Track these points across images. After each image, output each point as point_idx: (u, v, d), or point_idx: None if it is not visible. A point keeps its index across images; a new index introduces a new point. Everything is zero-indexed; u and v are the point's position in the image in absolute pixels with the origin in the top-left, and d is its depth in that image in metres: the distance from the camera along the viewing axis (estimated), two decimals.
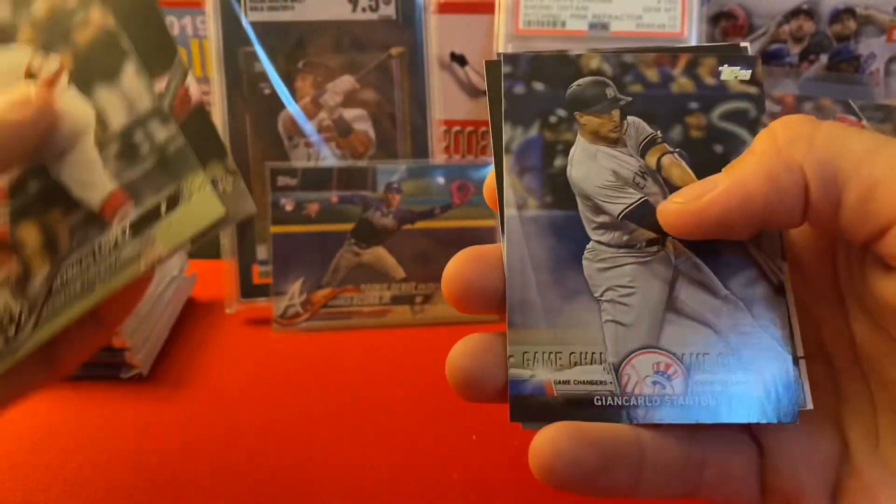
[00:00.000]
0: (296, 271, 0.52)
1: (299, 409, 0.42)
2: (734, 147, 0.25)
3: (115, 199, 0.26)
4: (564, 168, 0.26)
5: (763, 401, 0.24)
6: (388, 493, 0.36)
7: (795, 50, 0.58)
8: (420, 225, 0.53)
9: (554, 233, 0.25)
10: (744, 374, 0.24)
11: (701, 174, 0.25)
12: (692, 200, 0.23)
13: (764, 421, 0.24)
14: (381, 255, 0.53)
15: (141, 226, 0.25)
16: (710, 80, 0.26)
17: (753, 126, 0.26)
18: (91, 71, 0.26)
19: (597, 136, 0.26)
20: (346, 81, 0.56)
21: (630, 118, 0.26)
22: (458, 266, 0.24)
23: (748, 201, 0.22)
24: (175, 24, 0.64)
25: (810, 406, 0.24)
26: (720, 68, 0.26)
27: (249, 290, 0.54)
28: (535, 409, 0.24)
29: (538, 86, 0.26)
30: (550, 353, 0.24)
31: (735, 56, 0.26)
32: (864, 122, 0.56)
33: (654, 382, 0.24)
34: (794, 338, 0.24)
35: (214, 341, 0.50)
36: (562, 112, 0.26)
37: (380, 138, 0.57)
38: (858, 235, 0.22)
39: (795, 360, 0.24)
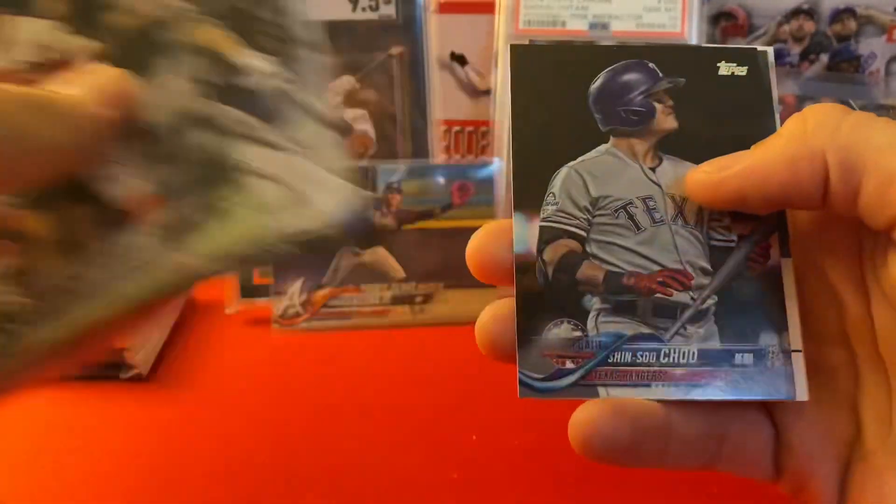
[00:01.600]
0: (296, 271, 0.52)
1: (299, 409, 0.42)
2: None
3: (143, 198, 0.24)
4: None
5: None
6: (389, 492, 0.36)
7: (796, 50, 0.58)
8: (420, 225, 0.53)
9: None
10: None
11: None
12: (714, 172, 0.24)
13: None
14: (381, 255, 0.53)
15: (174, 233, 0.23)
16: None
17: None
18: (129, 61, 0.24)
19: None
20: (346, 81, 0.56)
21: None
22: (480, 239, 0.27)
23: (765, 182, 0.23)
24: None
25: (804, 397, 0.25)
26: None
27: (249, 290, 0.54)
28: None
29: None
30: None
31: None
32: None
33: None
34: (789, 331, 0.25)
35: (214, 341, 0.50)
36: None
37: (380, 138, 0.57)
38: (877, 223, 0.22)
39: (787, 353, 0.25)
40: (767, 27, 0.58)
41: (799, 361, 0.25)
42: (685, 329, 0.25)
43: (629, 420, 0.24)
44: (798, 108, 0.57)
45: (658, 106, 0.27)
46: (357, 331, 0.52)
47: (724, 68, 0.27)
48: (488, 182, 0.54)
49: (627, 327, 0.25)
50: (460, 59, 0.63)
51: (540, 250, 0.26)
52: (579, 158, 0.26)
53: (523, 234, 0.26)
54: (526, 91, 0.27)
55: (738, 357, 0.25)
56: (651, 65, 0.27)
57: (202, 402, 0.43)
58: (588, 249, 0.26)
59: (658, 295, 0.26)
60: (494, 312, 0.26)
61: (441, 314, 0.53)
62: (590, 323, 0.26)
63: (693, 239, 0.26)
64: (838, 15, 0.57)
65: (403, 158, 0.57)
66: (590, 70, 0.27)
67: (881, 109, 0.56)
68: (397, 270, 0.53)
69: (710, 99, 0.27)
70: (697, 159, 0.26)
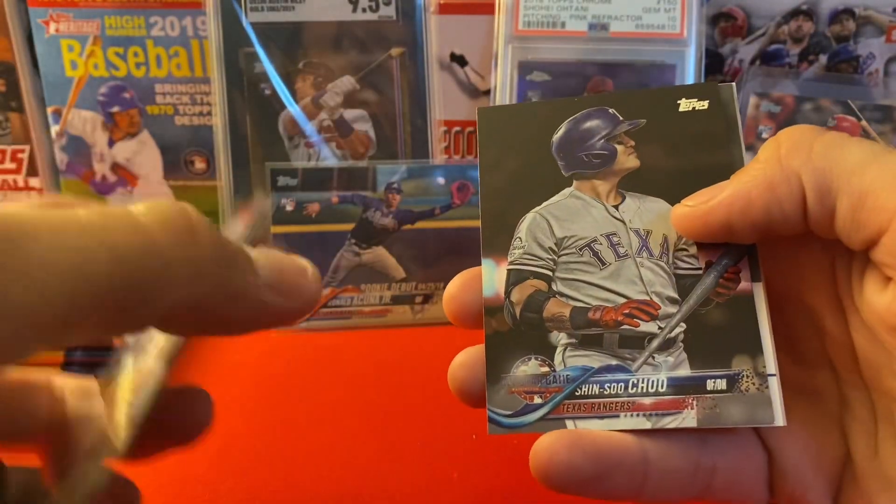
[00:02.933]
0: None
1: (299, 409, 0.42)
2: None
3: None
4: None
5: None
6: (389, 492, 0.36)
7: (795, 50, 0.58)
8: (420, 225, 0.53)
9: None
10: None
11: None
12: (699, 205, 0.24)
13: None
14: (381, 255, 0.53)
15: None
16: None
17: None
18: None
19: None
20: (346, 82, 0.56)
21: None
22: (453, 289, 0.27)
23: (749, 207, 0.23)
24: (175, 24, 0.64)
25: (781, 423, 0.24)
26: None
27: None
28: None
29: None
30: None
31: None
32: (864, 122, 0.56)
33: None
34: (764, 355, 0.25)
35: (214, 341, 0.50)
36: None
37: (380, 138, 0.57)
38: (854, 243, 0.23)
39: (763, 377, 0.25)
40: (766, 28, 0.58)
41: (774, 385, 0.24)
42: (653, 358, 0.25)
43: (588, 450, 0.24)
44: (797, 108, 0.57)
45: (619, 147, 0.27)
46: (357, 331, 0.52)
47: (685, 105, 0.27)
48: None
49: (594, 360, 0.26)
50: (460, 60, 0.63)
51: (508, 292, 0.27)
52: (544, 203, 0.27)
53: (492, 278, 0.27)
54: (493, 147, 0.28)
55: (710, 383, 0.25)
56: (611, 110, 0.28)
57: None
58: (554, 287, 0.26)
59: (625, 326, 0.26)
60: (463, 359, 0.27)
61: (441, 314, 0.53)
62: (557, 358, 0.26)
63: (658, 269, 0.26)
64: (837, 15, 0.57)
65: (403, 158, 0.57)
66: (553, 122, 0.28)
67: (880, 110, 0.56)
68: (397, 270, 0.53)
69: (672, 135, 0.27)
70: (660, 193, 0.27)
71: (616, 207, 0.27)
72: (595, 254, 0.27)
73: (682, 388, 0.25)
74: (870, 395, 0.24)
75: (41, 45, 0.65)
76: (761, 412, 0.24)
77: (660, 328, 0.26)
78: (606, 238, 0.27)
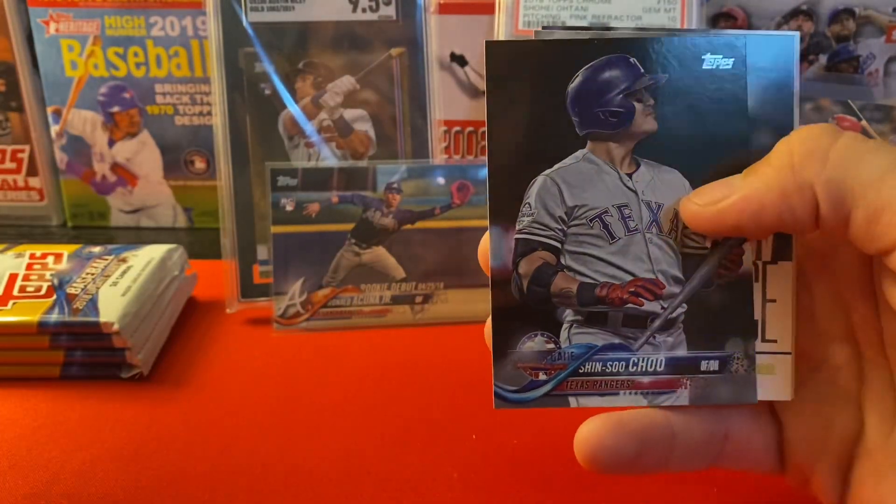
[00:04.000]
0: (296, 271, 0.52)
1: (299, 409, 0.42)
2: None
3: None
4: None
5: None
6: (389, 492, 0.36)
7: None
8: (420, 225, 0.53)
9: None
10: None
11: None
12: (709, 205, 0.24)
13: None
14: (381, 255, 0.53)
15: None
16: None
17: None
18: None
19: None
20: (346, 82, 0.56)
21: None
22: (484, 244, 0.27)
23: (761, 213, 0.23)
24: (175, 24, 0.64)
25: (788, 397, 0.26)
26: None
27: (250, 289, 0.54)
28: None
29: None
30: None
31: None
32: (864, 121, 0.56)
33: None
34: (778, 333, 0.26)
35: (215, 341, 0.50)
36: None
37: (380, 138, 0.57)
38: (868, 250, 0.23)
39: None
40: (767, 28, 0.58)
41: (787, 362, 0.26)
42: (654, 338, 0.26)
43: (634, 432, 0.25)
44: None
45: (638, 106, 0.26)
46: (357, 331, 0.52)
47: (709, 61, 0.26)
48: None
49: (598, 338, 0.26)
50: (460, 60, 0.63)
51: (515, 263, 0.26)
52: (556, 166, 0.26)
53: (500, 247, 0.26)
54: (503, 92, 0.26)
55: (704, 364, 0.26)
56: (633, 60, 0.26)
57: (203, 401, 0.43)
58: (562, 261, 0.26)
59: (629, 305, 0.26)
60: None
61: (441, 314, 0.53)
62: (562, 335, 0.26)
63: (666, 247, 0.26)
64: (837, 15, 0.57)
65: (403, 158, 0.57)
66: (570, 67, 0.26)
67: (880, 109, 0.56)
68: (397, 270, 0.53)
69: (692, 97, 0.26)
70: (676, 163, 0.26)
71: (630, 176, 0.26)
72: (605, 226, 0.26)
73: (678, 367, 0.26)
74: (892, 373, 0.25)
75: (41, 45, 0.65)
76: (745, 392, 0.26)
77: (662, 308, 0.26)
78: (618, 210, 0.26)
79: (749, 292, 0.26)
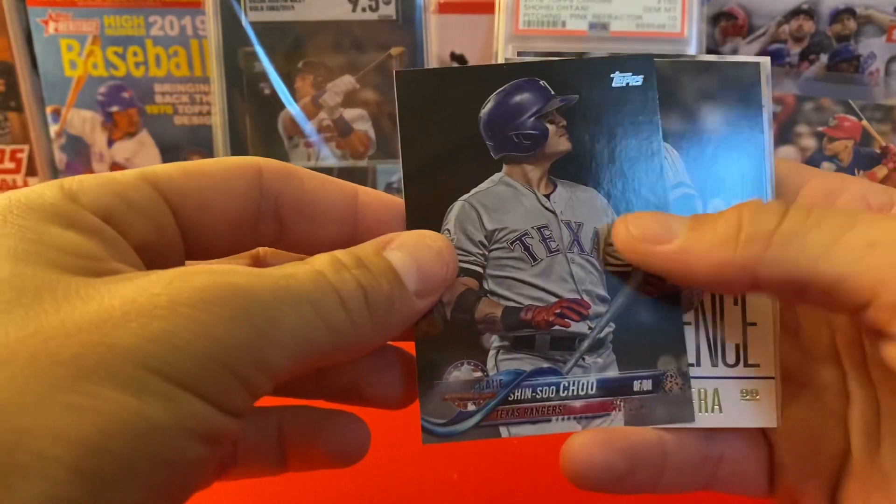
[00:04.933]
0: None
1: None
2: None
3: None
4: None
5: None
6: (388, 492, 0.36)
7: (795, 50, 0.58)
8: None
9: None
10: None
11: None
12: (644, 241, 0.24)
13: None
14: None
15: None
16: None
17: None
18: None
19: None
20: (346, 81, 0.56)
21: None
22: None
23: (693, 271, 0.23)
24: (175, 23, 0.64)
25: (775, 424, 0.25)
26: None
27: None
28: None
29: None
30: None
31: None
32: (864, 121, 0.56)
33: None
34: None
35: None
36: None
37: (380, 138, 0.57)
38: (836, 312, 0.23)
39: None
40: (767, 27, 0.58)
41: (771, 387, 0.25)
42: (584, 360, 0.25)
43: (622, 449, 0.24)
44: (798, 108, 0.57)
45: (551, 127, 0.26)
46: None
47: (619, 79, 0.26)
48: None
49: (526, 363, 0.25)
50: (460, 60, 0.63)
51: None
52: (473, 190, 0.26)
53: None
54: (415, 120, 0.26)
55: (636, 384, 0.25)
56: (542, 83, 0.26)
57: None
58: (485, 286, 0.25)
59: (556, 327, 0.25)
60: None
61: None
62: (490, 362, 0.25)
63: (589, 266, 0.26)
64: (838, 15, 0.57)
65: None
66: (480, 92, 0.26)
67: (880, 109, 0.56)
68: None
69: (603, 115, 0.26)
70: (591, 181, 0.26)
71: (548, 197, 0.26)
72: (526, 248, 0.26)
73: (611, 389, 0.25)
74: (876, 392, 0.24)
75: (40, 45, 0.65)
76: (682, 411, 0.25)
77: (590, 328, 0.25)
78: (538, 231, 0.26)
79: (678, 308, 0.25)
